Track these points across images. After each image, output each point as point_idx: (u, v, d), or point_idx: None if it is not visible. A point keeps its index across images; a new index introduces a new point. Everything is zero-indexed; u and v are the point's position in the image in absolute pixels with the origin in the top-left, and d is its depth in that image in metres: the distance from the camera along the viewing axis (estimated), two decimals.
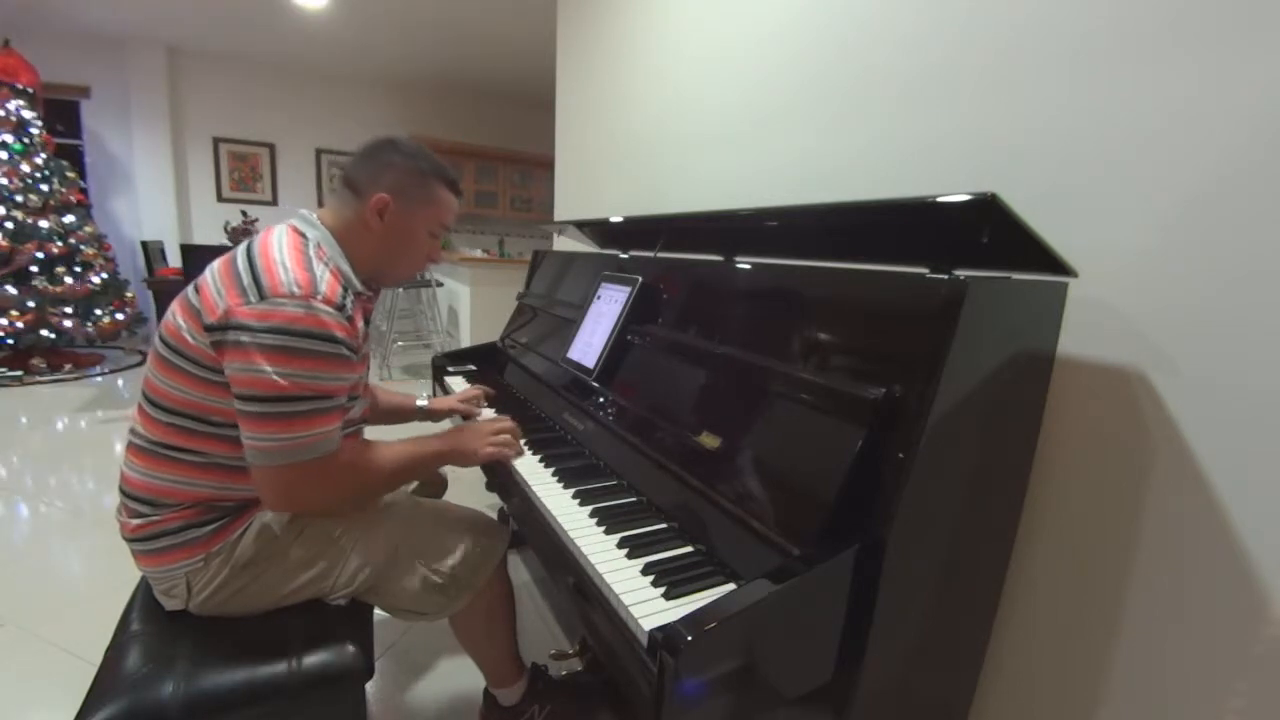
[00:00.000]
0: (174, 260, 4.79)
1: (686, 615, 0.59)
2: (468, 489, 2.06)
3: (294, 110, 5.45)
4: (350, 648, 0.89)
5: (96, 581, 1.70)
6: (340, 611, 0.97)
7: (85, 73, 4.71)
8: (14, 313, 3.60)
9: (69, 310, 3.79)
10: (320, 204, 5.67)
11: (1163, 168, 0.78)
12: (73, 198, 4.01)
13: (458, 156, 5.53)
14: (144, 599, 0.97)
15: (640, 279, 1.25)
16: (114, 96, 4.79)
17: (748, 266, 1.09)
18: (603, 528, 0.88)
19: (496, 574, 1.06)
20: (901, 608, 0.73)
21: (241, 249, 0.88)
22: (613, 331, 1.23)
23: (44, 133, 3.93)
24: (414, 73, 5.43)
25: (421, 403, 1.38)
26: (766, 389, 0.85)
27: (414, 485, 1.29)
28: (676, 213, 1.43)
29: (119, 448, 2.71)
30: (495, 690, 1.17)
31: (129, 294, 4.28)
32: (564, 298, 1.63)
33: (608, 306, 1.30)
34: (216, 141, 5.23)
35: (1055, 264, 0.69)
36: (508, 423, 1.14)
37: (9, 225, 3.61)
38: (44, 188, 3.78)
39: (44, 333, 3.73)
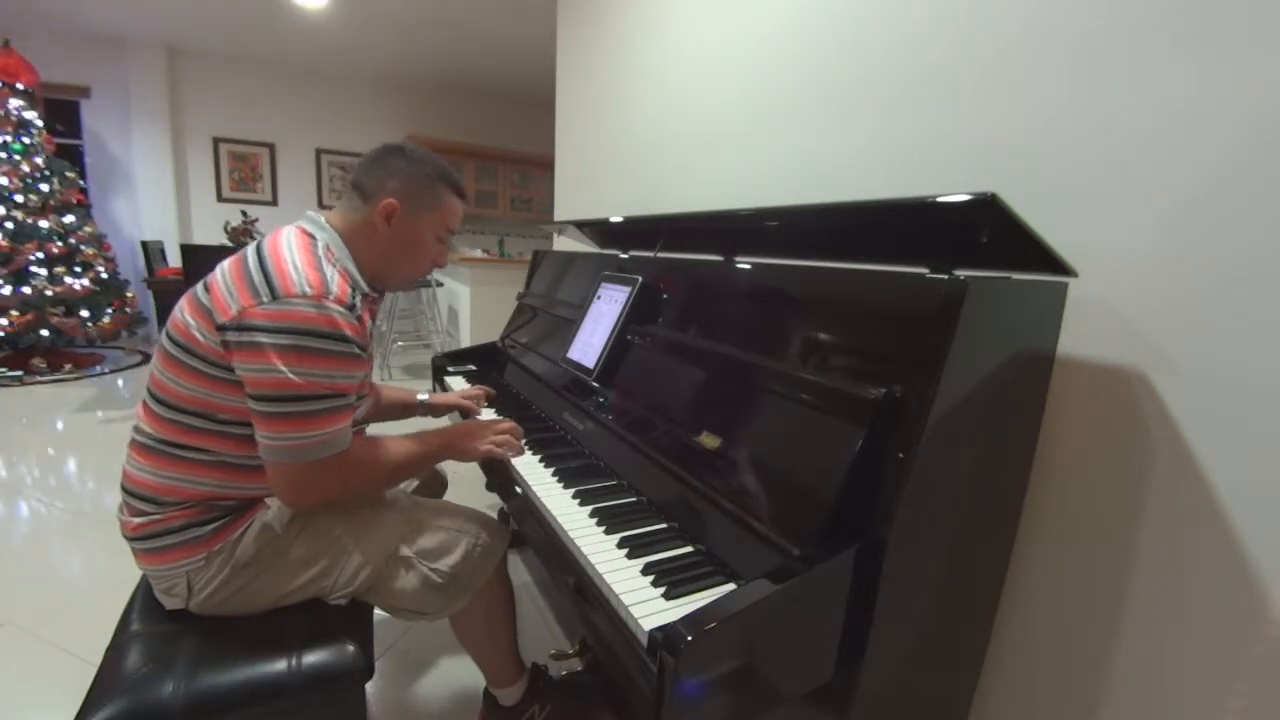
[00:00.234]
0: (174, 260, 4.78)
1: (686, 615, 0.59)
2: (468, 489, 2.06)
3: (294, 110, 5.44)
4: (350, 647, 0.90)
5: (96, 581, 1.71)
6: (340, 611, 0.97)
7: (85, 73, 4.71)
8: (14, 313, 3.60)
9: (69, 310, 3.79)
10: (320, 204, 5.71)
11: (1163, 168, 0.78)
12: (73, 198, 4.01)
13: (458, 156, 5.53)
14: (144, 599, 0.97)
15: (640, 279, 1.25)
16: (114, 96, 4.79)
17: (748, 266, 1.09)
18: (603, 528, 0.88)
19: (497, 574, 1.07)
20: (901, 608, 0.73)
21: (251, 249, 0.89)
22: (613, 331, 1.23)
23: (44, 133, 3.94)
24: (414, 73, 5.43)
25: (423, 397, 1.39)
26: (766, 389, 0.85)
27: (414, 485, 1.29)
28: (676, 213, 1.43)
29: (119, 448, 2.70)
30: (495, 690, 1.17)
31: (129, 294, 4.28)
32: (564, 298, 1.63)
33: (608, 306, 1.30)
34: (216, 141, 5.23)
35: (1055, 264, 0.69)
36: (509, 423, 1.15)
37: (9, 225, 3.61)
38: (44, 188, 3.78)
39: (44, 333, 3.73)
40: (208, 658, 0.85)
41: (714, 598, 0.63)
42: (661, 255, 1.52)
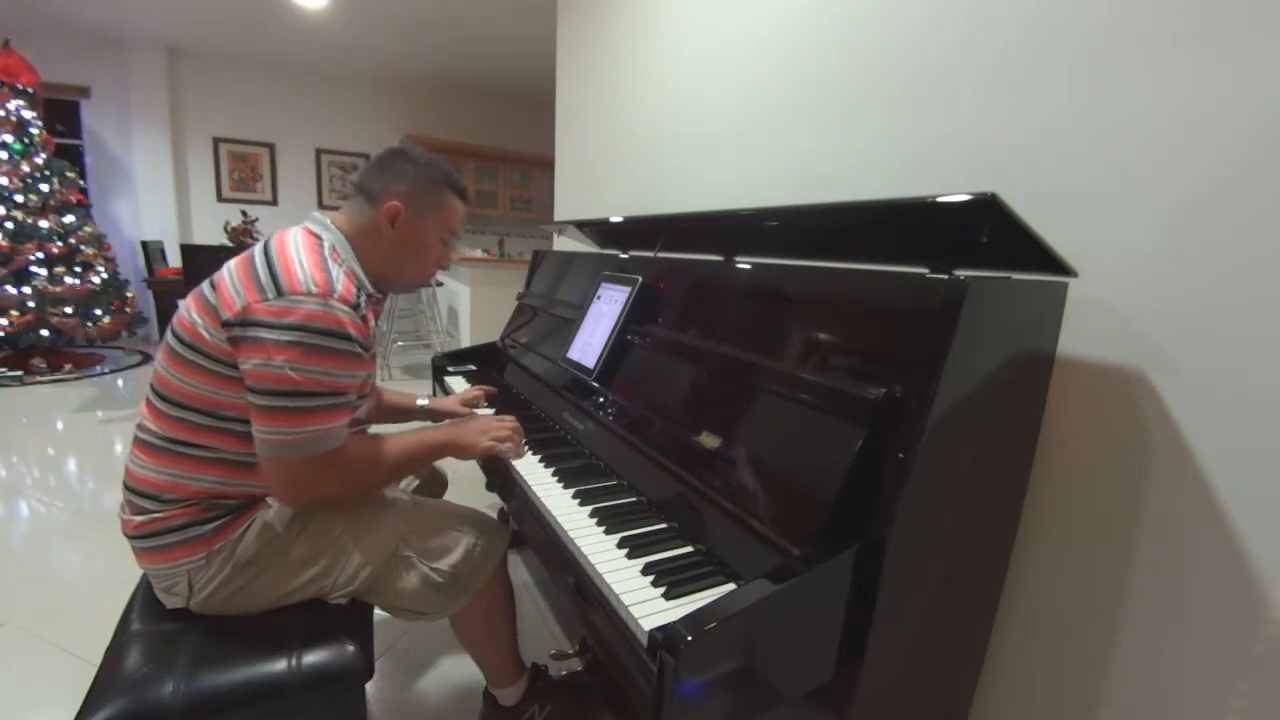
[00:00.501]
0: (174, 260, 4.78)
1: (686, 615, 0.59)
2: (468, 489, 2.06)
3: (294, 110, 5.44)
4: (350, 647, 0.90)
5: (96, 581, 1.71)
6: (340, 611, 0.97)
7: (85, 73, 4.71)
8: (14, 313, 3.60)
9: (69, 310, 3.79)
10: (320, 204, 5.71)
11: (1163, 168, 0.78)
12: (73, 198, 4.01)
13: (458, 156, 5.53)
14: (144, 598, 0.97)
15: (640, 279, 1.25)
16: (114, 96, 4.79)
17: (748, 266, 1.09)
18: (603, 528, 0.88)
19: (497, 574, 1.07)
20: (901, 608, 0.73)
21: (258, 248, 0.90)
22: (613, 331, 1.23)
23: (44, 133, 3.93)
24: (414, 73, 5.43)
25: (422, 402, 1.39)
26: (766, 389, 0.85)
27: (415, 485, 1.29)
28: (676, 213, 1.43)
29: (119, 448, 2.71)
30: (495, 690, 1.17)
31: (129, 294, 4.28)
32: (564, 298, 1.63)
33: (608, 306, 1.30)
34: (216, 141, 5.22)
35: (1055, 264, 0.69)
36: (512, 421, 1.15)
37: (9, 225, 3.61)
38: (44, 188, 3.78)
39: (44, 333, 3.73)
40: (208, 657, 0.85)
41: (714, 598, 0.63)
42: (661, 255, 1.52)
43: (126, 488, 0.92)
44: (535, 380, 1.49)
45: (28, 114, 3.83)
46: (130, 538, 0.91)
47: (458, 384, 1.67)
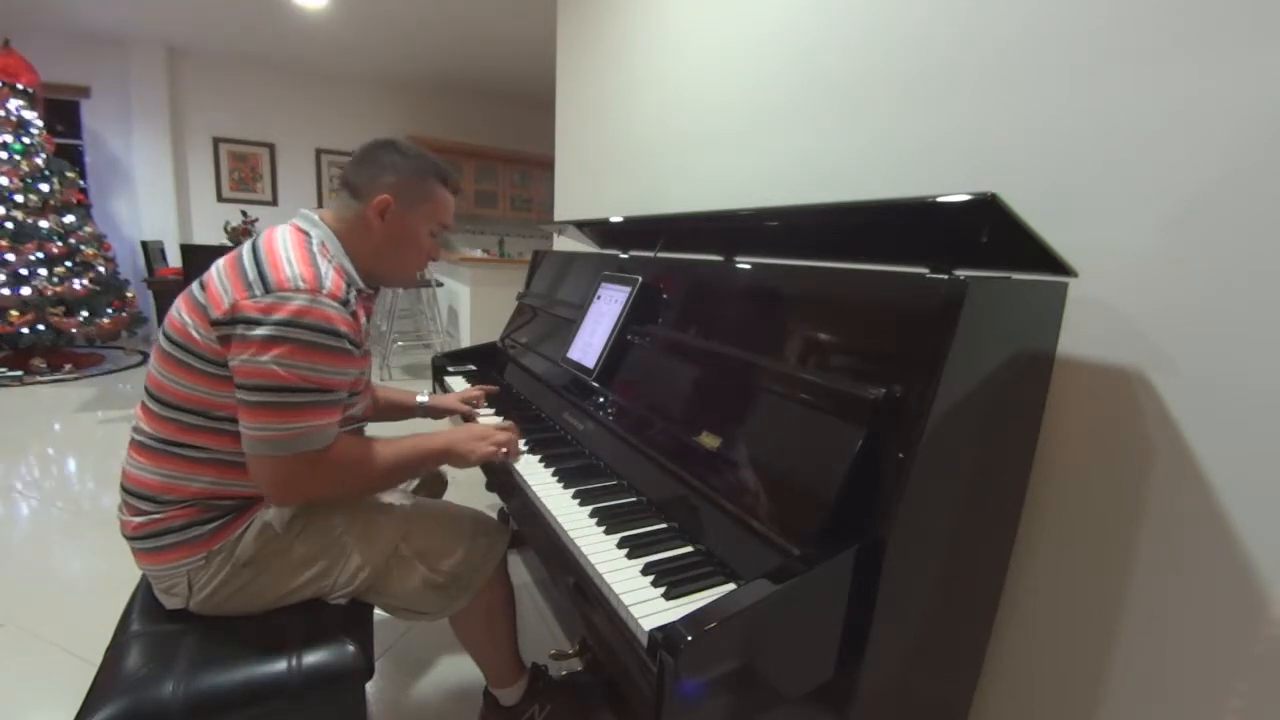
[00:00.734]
0: (174, 260, 4.78)
1: (686, 615, 0.59)
2: (468, 489, 2.06)
3: (294, 110, 5.44)
4: (350, 647, 0.89)
5: (96, 581, 1.71)
6: (340, 611, 0.97)
7: (85, 73, 4.71)
8: (14, 313, 3.60)
9: (69, 310, 3.79)
10: (320, 204, 5.70)
11: (1163, 168, 0.78)
12: (73, 198, 4.01)
13: (458, 156, 5.53)
14: (144, 599, 0.97)
15: (640, 279, 1.25)
16: (114, 96, 4.79)
17: (748, 266, 1.09)
18: (603, 528, 0.88)
19: (497, 574, 1.07)
20: (901, 608, 0.73)
21: (246, 246, 0.89)
22: (613, 331, 1.23)
23: (44, 133, 3.93)
24: (414, 73, 5.43)
25: (422, 399, 1.38)
26: (766, 389, 0.85)
27: (415, 485, 1.29)
28: (676, 213, 1.43)
29: (119, 448, 2.70)
30: (495, 690, 1.17)
31: (129, 294, 4.28)
32: (564, 298, 1.63)
33: (608, 306, 1.30)
34: (216, 141, 5.22)
35: (1055, 264, 0.69)
36: (508, 426, 1.14)
37: (9, 225, 3.61)
38: (44, 188, 3.78)
39: (43, 330, 3.73)
40: (208, 658, 0.85)
41: (714, 598, 0.63)
42: (661, 255, 1.52)
43: (123, 489, 0.92)
44: (535, 380, 1.49)
45: (28, 114, 3.83)
46: (129, 539, 0.91)
47: (458, 384, 1.67)
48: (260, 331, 0.80)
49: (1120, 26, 0.83)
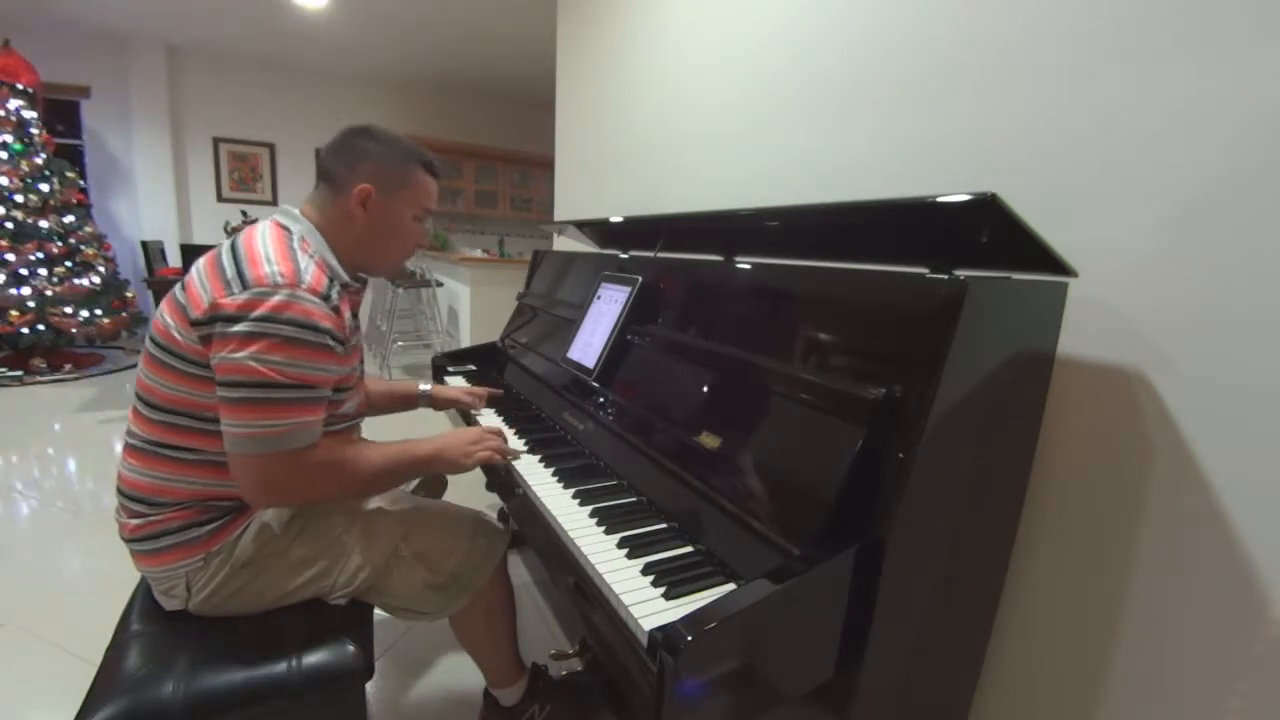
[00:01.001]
0: (174, 260, 4.79)
1: (686, 615, 0.59)
2: (468, 489, 2.06)
3: (294, 110, 5.44)
4: (350, 647, 0.89)
5: (96, 581, 1.71)
6: (340, 611, 0.97)
7: (85, 73, 4.70)
8: (14, 313, 3.60)
9: (69, 310, 3.78)
10: None
11: (1163, 168, 0.78)
12: (73, 198, 4.01)
13: (458, 156, 5.53)
14: (144, 599, 0.97)
15: (640, 279, 1.25)
16: (114, 96, 4.79)
17: (748, 266, 1.09)
18: (603, 528, 0.88)
19: (497, 574, 1.07)
20: (901, 608, 0.73)
21: (226, 245, 0.88)
22: (613, 331, 1.23)
23: (44, 133, 3.92)
24: (414, 73, 5.43)
25: (425, 388, 1.36)
26: (766, 389, 0.85)
27: (414, 485, 1.29)
28: (676, 213, 1.43)
29: (119, 448, 2.71)
30: (495, 690, 1.17)
31: (129, 294, 4.27)
32: (564, 298, 1.63)
33: (608, 306, 1.30)
34: (216, 141, 5.22)
35: (1055, 264, 0.69)
36: (495, 431, 1.11)
37: (9, 225, 3.61)
38: (44, 188, 3.78)
39: (43, 331, 3.72)
40: (208, 658, 0.85)
41: (714, 598, 0.63)
42: (661, 255, 1.52)
43: (119, 492, 0.92)
44: (535, 380, 1.49)
45: (28, 114, 3.82)
46: (127, 541, 0.91)
47: (458, 384, 1.66)
48: (239, 328, 0.79)
49: (1120, 26, 0.83)
